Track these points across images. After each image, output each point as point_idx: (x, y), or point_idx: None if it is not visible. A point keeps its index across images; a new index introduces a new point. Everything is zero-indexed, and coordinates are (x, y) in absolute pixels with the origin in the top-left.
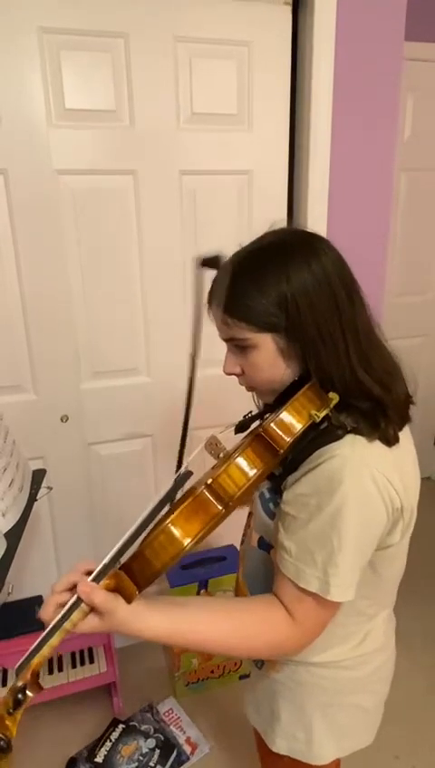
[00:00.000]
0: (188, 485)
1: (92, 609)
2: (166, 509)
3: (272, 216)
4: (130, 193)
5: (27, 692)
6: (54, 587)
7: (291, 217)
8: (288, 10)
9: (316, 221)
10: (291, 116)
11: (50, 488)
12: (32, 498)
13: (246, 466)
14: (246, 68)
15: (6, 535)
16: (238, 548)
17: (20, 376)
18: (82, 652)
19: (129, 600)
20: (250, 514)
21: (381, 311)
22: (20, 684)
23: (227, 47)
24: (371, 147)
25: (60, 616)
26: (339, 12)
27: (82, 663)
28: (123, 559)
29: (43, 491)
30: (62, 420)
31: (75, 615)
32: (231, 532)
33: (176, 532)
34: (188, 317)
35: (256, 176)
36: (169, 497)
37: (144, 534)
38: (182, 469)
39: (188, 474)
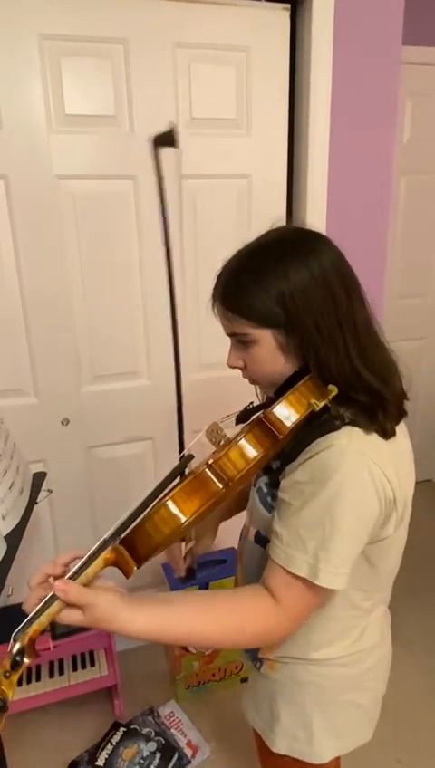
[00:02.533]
0: (187, 475)
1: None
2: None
3: (271, 219)
4: (130, 198)
5: (24, 657)
6: (30, 582)
7: (290, 221)
8: (287, 15)
9: (315, 225)
10: (290, 120)
11: (50, 491)
12: (32, 501)
13: (247, 450)
14: (245, 73)
15: (6, 538)
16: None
17: (21, 379)
18: (83, 655)
19: (127, 574)
20: (248, 512)
21: (380, 313)
22: (17, 648)
23: (226, 52)
24: (369, 150)
25: (38, 608)
26: (337, 16)
27: (84, 666)
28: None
29: (43, 494)
30: (62, 423)
31: (53, 608)
32: (231, 534)
33: (176, 507)
34: (188, 321)
35: (255, 180)
36: (170, 479)
37: (145, 513)
38: (184, 453)
39: (190, 457)
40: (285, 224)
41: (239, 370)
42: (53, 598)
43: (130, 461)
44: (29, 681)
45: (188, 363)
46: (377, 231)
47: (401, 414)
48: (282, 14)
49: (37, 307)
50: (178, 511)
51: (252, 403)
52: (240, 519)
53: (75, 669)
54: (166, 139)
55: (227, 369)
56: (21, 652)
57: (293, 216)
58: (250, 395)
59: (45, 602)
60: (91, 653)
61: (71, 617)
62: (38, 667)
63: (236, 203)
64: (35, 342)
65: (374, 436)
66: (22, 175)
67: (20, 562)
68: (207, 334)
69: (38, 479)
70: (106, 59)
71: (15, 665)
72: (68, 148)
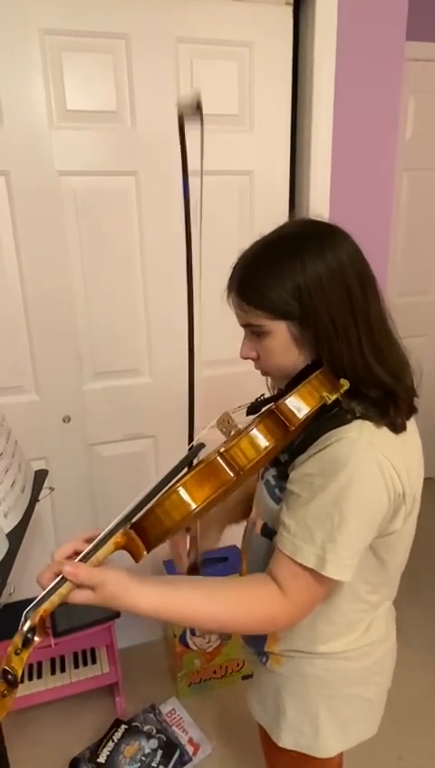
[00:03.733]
0: (199, 463)
1: (80, 585)
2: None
3: (274, 216)
4: (131, 194)
5: (35, 635)
6: (55, 555)
7: (292, 218)
8: (289, 10)
9: None
10: (292, 116)
11: (52, 489)
12: (34, 499)
13: (258, 440)
14: (248, 68)
15: (8, 536)
16: (240, 548)
17: (22, 377)
18: (84, 652)
19: (136, 558)
20: (254, 505)
21: None
22: (28, 626)
23: (229, 48)
24: (372, 147)
25: (45, 592)
26: (340, 12)
27: (85, 663)
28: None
29: (44, 492)
30: (64, 421)
31: (63, 589)
32: (233, 532)
33: (187, 493)
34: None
35: (257, 176)
36: (181, 466)
37: (156, 499)
38: (194, 442)
39: (201, 445)
40: (303, 217)
41: (251, 362)
42: (64, 579)
43: (131, 458)
44: (30, 678)
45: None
46: (380, 229)
47: (411, 410)
48: (285, 10)
49: (38, 304)
50: (189, 497)
51: (263, 395)
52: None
53: (77, 667)
54: (191, 109)
55: (229, 366)
56: (32, 630)
57: (295, 212)
58: (254, 391)
59: (56, 583)
60: (93, 650)
61: (82, 596)
62: (39, 665)
63: (238, 200)
64: (37, 339)
65: (385, 431)
66: (23, 171)
67: (22, 560)
68: (209, 331)
69: (40, 477)
70: (108, 54)
71: (27, 642)
72: (69, 143)
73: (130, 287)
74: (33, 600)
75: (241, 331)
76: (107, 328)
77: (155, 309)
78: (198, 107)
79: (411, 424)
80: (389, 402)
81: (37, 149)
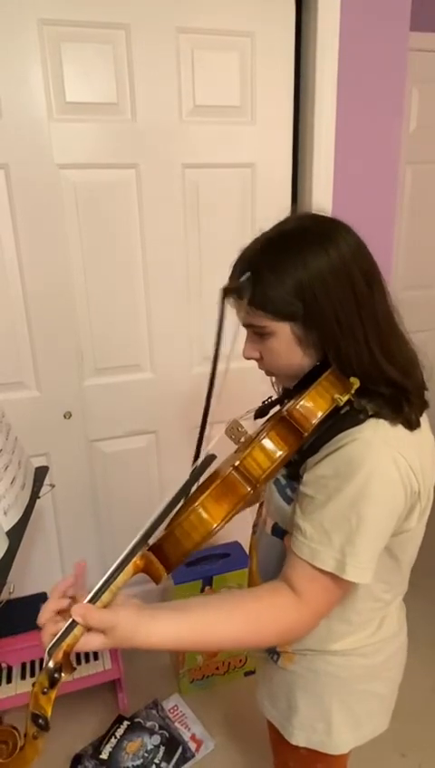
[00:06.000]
0: (212, 477)
1: (91, 629)
2: (191, 492)
3: (276, 209)
4: (132, 187)
5: (62, 672)
6: (39, 622)
7: (294, 212)
8: (292, 0)
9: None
10: (295, 107)
11: (52, 486)
12: (34, 496)
13: (271, 449)
14: (249, 59)
15: (8, 533)
16: (242, 544)
17: (23, 373)
18: None
19: (157, 580)
20: (261, 504)
21: None
22: (53, 664)
23: (230, 38)
24: (376, 139)
25: (59, 634)
26: (343, 1)
27: (87, 660)
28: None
29: (45, 488)
30: (65, 417)
31: (76, 630)
32: (235, 528)
33: (206, 512)
34: (192, 313)
35: (259, 168)
36: (193, 480)
37: (170, 517)
38: (204, 453)
39: (212, 457)
40: (304, 211)
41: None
42: (72, 626)
43: (132, 455)
44: (32, 675)
45: (191, 356)
46: (383, 222)
47: (423, 405)
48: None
49: (38, 299)
50: (208, 516)
51: (271, 397)
52: (243, 514)
53: (79, 663)
54: (235, 291)
55: (231, 362)
56: (58, 669)
57: (298, 205)
58: (258, 389)
59: (67, 628)
60: None
61: (93, 643)
62: (41, 661)
63: (240, 192)
64: (37, 335)
65: (399, 428)
66: (22, 164)
67: (22, 558)
68: (211, 327)
69: (40, 474)
70: (107, 45)
71: (54, 682)
72: (69, 136)
73: (131, 282)
74: (33, 595)
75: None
76: (108, 323)
77: (156, 303)
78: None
79: (424, 420)
80: (401, 399)
81: (36, 142)
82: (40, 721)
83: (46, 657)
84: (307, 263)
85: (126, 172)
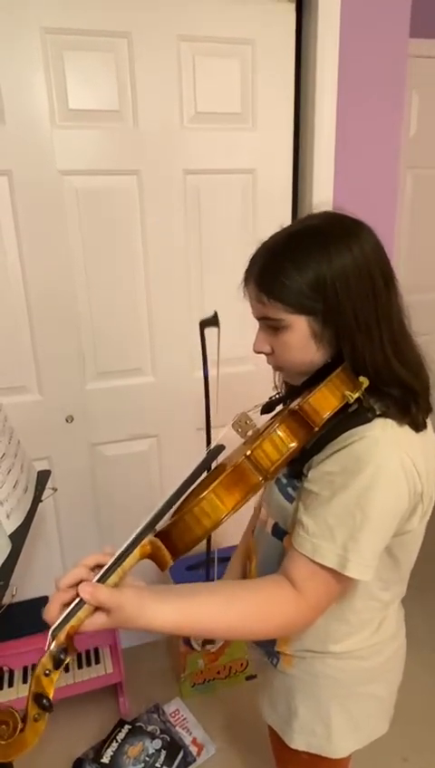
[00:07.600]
0: (220, 466)
1: (98, 608)
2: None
3: (276, 215)
4: (134, 193)
5: (67, 655)
6: (58, 584)
7: (295, 217)
8: (292, 7)
9: None
10: (295, 114)
11: (55, 489)
12: (36, 499)
13: (281, 441)
14: (250, 66)
15: (11, 537)
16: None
17: (25, 376)
18: (87, 653)
19: (163, 567)
20: (260, 507)
21: None
22: (57, 646)
23: (231, 45)
24: (376, 145)
25: (65, 615)
26: (343, 9)
27: (89, 663)
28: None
29: (47, 492)
30: (66, 421)
31: (81, 613)
32: (237, 532)
33: (218, 499)
34: (193, 317)
35: (260, 174)
36: (201, 469)
37: (178, 504)
38: (213, 444)
39: (221, 447)
40: (329, 208)
41: (251, 364)
42: (80, 603)
43: (134, 458)
44: None
45: (193, 360)
46: (384, 227)
47: (429, 408)
48: (287, 7)
49: (41, 303)
50: (220, 503)
51: (278, 393)
52: (245, 517)
53: (80, 667)
54: (210, 322)
55: (232, 365)
56: (63, 650)
57: (298, 210)
58: (260, 391)
59: (73, 607)
60: (97, 650)
61: (97, 621)
62: None
63: (241, 198)
64: (39, 339)
65: (406, 429)
66: (25, 170)
67: (25, 561)
68: (213, 331)
69: (42, 477)
70: (109, 53)
71: (58, 663)
72: (71, 143)
73: (133, 286)
74: (35, 599)
75: (245, 330)
76: (110, 327)
77: (157, 308)
78: (215, 316)
79: (429, 422)
80: (410, 400)
81: (39, 149)
82: (44, 701)
83: (49, 638)
84: (332, 259)
85: (128, 178)
